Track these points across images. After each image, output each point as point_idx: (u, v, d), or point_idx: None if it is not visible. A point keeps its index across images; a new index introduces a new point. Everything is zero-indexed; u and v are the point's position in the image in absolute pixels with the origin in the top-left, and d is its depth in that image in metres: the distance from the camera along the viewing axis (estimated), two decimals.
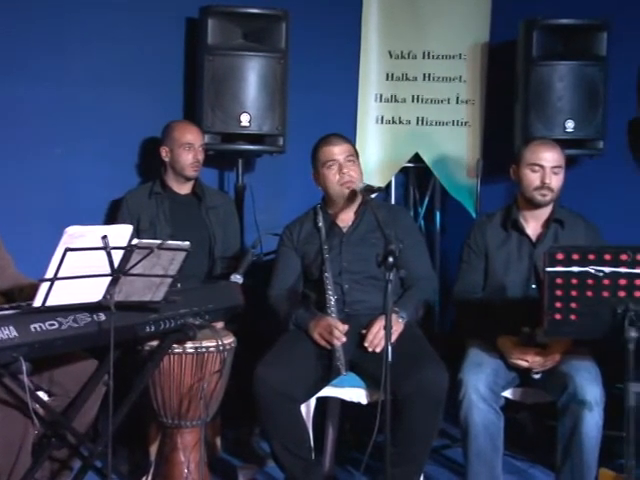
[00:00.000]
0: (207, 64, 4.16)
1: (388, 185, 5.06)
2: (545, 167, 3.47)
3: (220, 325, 3.51)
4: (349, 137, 3.77)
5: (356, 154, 3.60)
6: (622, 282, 2.69)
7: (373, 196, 3.61)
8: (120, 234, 2.69)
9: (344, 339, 3.33)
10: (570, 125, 4.36)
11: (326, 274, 3.46)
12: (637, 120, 3.20)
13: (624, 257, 2.68)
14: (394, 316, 3.28)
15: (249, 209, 4.41)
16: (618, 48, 4.33)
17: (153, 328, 3.01)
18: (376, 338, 3.32)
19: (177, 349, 3.17)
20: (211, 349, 3.20)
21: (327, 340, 3.35)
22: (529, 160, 3.50)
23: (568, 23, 4.42)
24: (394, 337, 3.22)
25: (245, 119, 4.18)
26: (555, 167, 3.48)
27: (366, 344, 3.33)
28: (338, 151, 3.53)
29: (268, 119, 4.22)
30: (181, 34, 4.41)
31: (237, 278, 3.47)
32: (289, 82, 4.30)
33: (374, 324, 3.35)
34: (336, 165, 3.52)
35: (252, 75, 4.19)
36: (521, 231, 3.57)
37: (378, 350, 3.30)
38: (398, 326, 3.35)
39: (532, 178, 3.49)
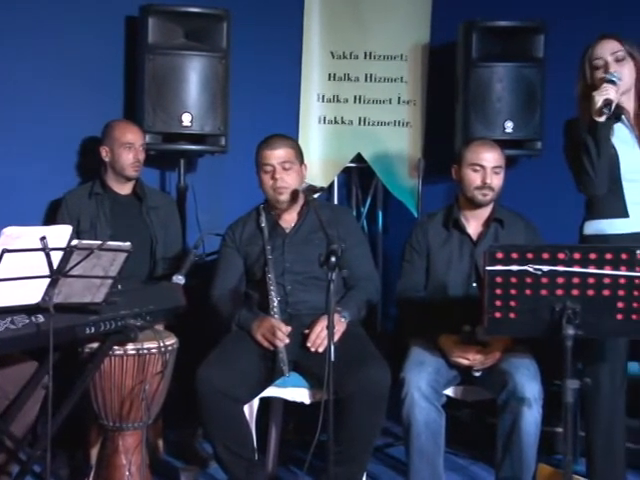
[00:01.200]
0: (148, 63, 4.12)
1: (331, 185, 5.07)
2: (486, 167, 3.51)
3: (161, 326, 3.49)
4: (292, 137, 3.77)
5: (299, 156, 3.58)
6: (560, 280, 2.72)
7: (316, 196, 3.62)
8: (59, 235, 2.65)
9: (287, 340, 3.33)
10: (509, 126, 4.43)
11: (269, 275, 3.45)
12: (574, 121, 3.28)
13: (561, 256, 2.71)
14: (336, 316, 3.28)
15: (191, 209, 4.38)
16: (555, 50, 4.40)
17: (93, 330, 2.97)
18: (319, 338, 3.33)
19: (118, 351, 3.14)
20: (153, 350, 3.17)
21: (270, 341, 3.35)
22: (470, 160, 3.54)
23: (506, 25, 4.48)
24: (337, 337, 3.22)
25: (187, 119, 4.16)
26: (496, 167, 3.52)
27: (309, 344, 3.33)
28: (274, 156, 3.49)
29: (210, 119, 4.20)
30: (121, 33, 4.36)
31: (179, 279, 3.44)
32: (231, 82, 4.28)
33: (316, 324, 3.35)
34: (271, 170, 3.51)
35: (193, 75, 4.16)
36: (462, 230, 3.61)
37: (321, 350, 3.30)
38: (340, 326, 3.36)
39: (473, 178, 3.53)
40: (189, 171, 4.50)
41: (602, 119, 3.06)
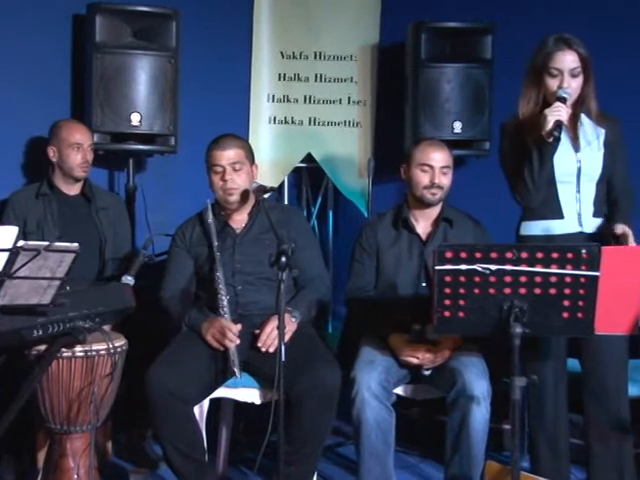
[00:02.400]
0: (95, 62, 4.08)
1: (281, 185, 5.07)
2: (434, 167, 3.54)
3: (110, 327, 3.46)
4: (243, 137, 3.76)
5: (249, 156, 3.55)
6: (507, 279, 2.74)
7: (266, 196, 3.61)
8: (5, 236, 2.61)
9: (237, 341, 3.32)
10: (458, 126, 4.47)
11: (217, 273, 3.43)
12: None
13: (509, 255, 2.74)
14: (287, 316, 3.29)
15: (140, 210, 4.35)
16: (503, 51, 4.45)
17: (41, 332, 2.92)
18: (269, 338, 3.32)
19: (66, 353, 3.10)
20: (101, 352, 3.14)
21: (220, 342, 3.33)
22: (419, 160, 3.57)
23: (455, 26, 4.53)
24: (287, 337, 3.22)
25: (135, 118, 4.13)
26: (444, 167, 3.55)
27: (259, 344, 3.33)
28: (224, 157, 3.47)
29: (159, 119, 4.18)
30: (68, 31, 4.31)
31: (128, 279, 3.41)
32: (181, 81, 4.25)
33: (267, 324, 3.35)
34: (221, 171, 3.49)
35: (142, 74, 4.13)
36: (411, 230, 3.63)
37: (271, 350, 3.30)
38: (291, 326, 3.36)
39: (422, 177, 3.55)
40: (138, 171, 4.47)
41: (551, 140, 3.10)
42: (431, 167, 3.54)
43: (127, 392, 3.40)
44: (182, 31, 4.23)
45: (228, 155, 3.48)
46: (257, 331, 3.37)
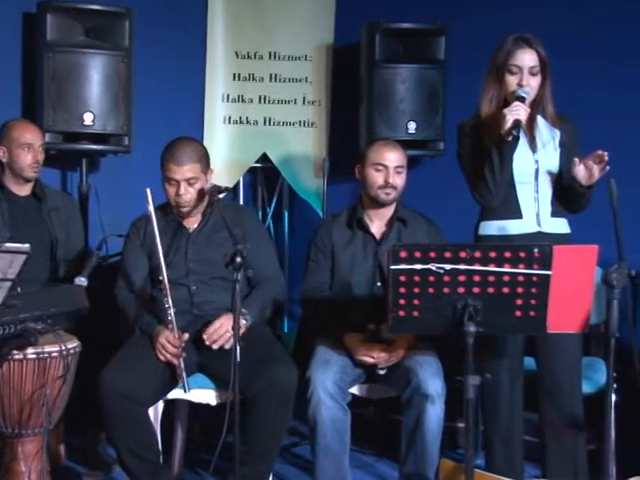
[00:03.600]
0: (47, 61, 4.02)
1: (236, 185, 5.05)
2: (388, 167, 3.55)
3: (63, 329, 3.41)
4: (197, 137, 3.73)
5: (205, 167, 3.49)
6: (461, 278, 2.76)
7: (221, 196, 3.59)
8: None
9: (182, 354, 3.27)
10: (412, 126, 4.50)
11: (161, 277, 3.33)
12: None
13: (463, 254, 2.75)
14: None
15: (94, 210, 4.30)
16: (456, 51, 4.48)
17: None
18: (215, 334, 3.30)
19: (17, 355, 3.05)
20: (54, 354, 3.10)
21: (165, 356, 3.29)
22: (373, 160, 3.58)
23: (408, 27, 4.55)
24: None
25: (88, 118, 4.08)
26: (398, 167, 3.57)
27: (204, 336, 3.30)
28: (179, 172, 3.40)
29: (112, 118, 4.13)
30: (18, 30, 4.25)
31: (81, 281, 3.38)
32: (134, 81, 4.22)
33: (216, 320, 3.33)
34: (175, 184, 3.44)
35: (95, 73, 4.09)
36: (366, 230, 3.64)
37: (215, 347, 3.28)
38: (241, 327, 3.34)
39: (376, 177, 3.57)
40: (91, 171, 4.43)
41: (510, 138, 3.13)
42: (385, 167, 3.55)
43: (80, 394, 3.35)
44: (135, 30, 4.19)
45: (183, 171, 3.41)
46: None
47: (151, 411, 3.30)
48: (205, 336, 3.31)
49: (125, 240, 3.62)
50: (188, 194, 3.44)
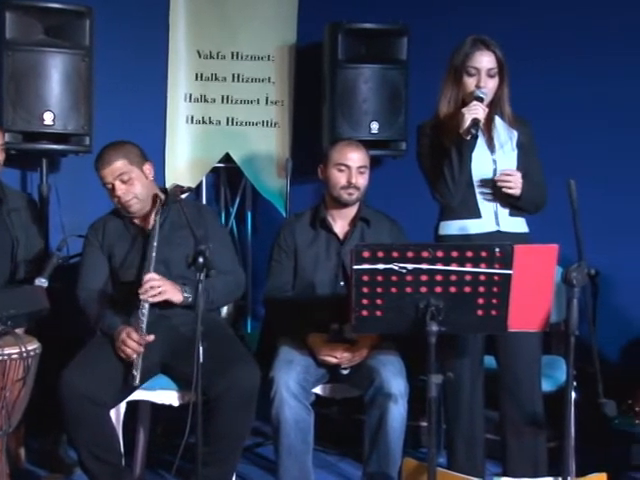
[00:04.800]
0: (6, 60, 3.97)
1: (199, 185, 5.03)
2: (351, 167, 3.56)
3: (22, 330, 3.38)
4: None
5: (136, 160, 3.46)
6: (424, 278, 2.77)
7: (183, 196, 3.57)
8: None
9: (140, 349, 3.23)
10: (375, 127, 4.51)
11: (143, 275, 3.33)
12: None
13: (425, 254, 2.77)
14: (178, 287, 3.32)
15: (54, 211, 4.26)
16: (418, 52, 4.50)
17: None
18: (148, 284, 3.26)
19: None
20: (14, 356, 3.06)
21: (125, 353, 3.26)
22: (336, 160, 3.59)
23: (371, 27, 4.57)
24: (164, 296, 3.26)
25: (49, 117, 4.04)
26: (361, 167, 3.58)
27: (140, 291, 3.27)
28: (107, 174, 3.40)
29: (73, 118, 4.09)
30: None
31: (42, 282, 3.35)
32: (95, 80, 4.18)
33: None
34: (110, 187, 3.43)
35: (55, 72, 4.04)
36: (329, 230, 3.65)
37: (142, 296, 3.24)
38: (177, 296, 3.32)
39: (339, 177, 3.57)
40: (52, 171, 4.38)
41: (469, 137, 3.16)
42: (348, 167, 3.56)
43: (41, 396, 3.32)
44: (96, 29, 4.15)
45: (110, 171, 3.40)
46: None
47: (113, 413, 3.28)
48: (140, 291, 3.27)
49: (84, 242, 3.59)
50: (128, 192, 3.41)
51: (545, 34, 4.47)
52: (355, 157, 3.58)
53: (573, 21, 4.43)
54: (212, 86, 4.96)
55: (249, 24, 4.90)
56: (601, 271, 2.86)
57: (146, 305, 3.29)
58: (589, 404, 2.96)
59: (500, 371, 3.39)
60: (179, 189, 3.44)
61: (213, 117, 4.98)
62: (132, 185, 3.42)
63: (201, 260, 2.92)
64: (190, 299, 3.36)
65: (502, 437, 3.41)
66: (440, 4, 4.66)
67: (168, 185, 3.52)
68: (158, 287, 3.28)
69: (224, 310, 3.74)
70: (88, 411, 3.14)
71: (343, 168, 3.57)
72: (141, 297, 3.26)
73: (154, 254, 3.33)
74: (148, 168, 3.51)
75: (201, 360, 2.89)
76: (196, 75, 4.94)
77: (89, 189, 4.55)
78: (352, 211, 3.65)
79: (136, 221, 3.53)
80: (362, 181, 3.59)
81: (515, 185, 3.26)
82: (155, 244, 3.34)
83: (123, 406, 3.36)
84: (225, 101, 4.97)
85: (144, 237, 3.50)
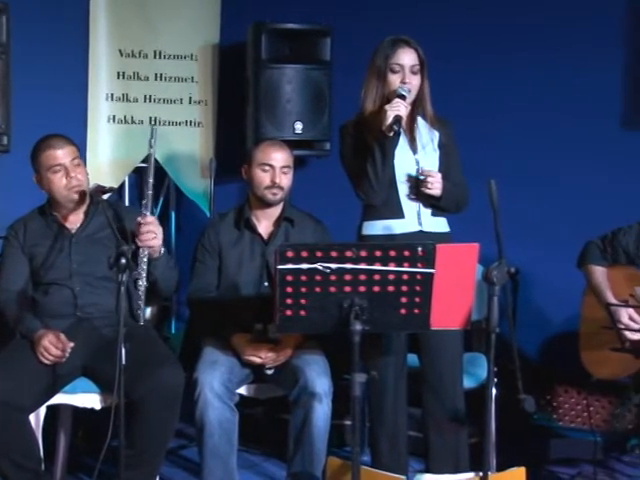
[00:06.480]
0: None
1: (122, 185, 4.96)
2: (275, 167, 3.56)
3: None
4: (80, 137, 3.66)
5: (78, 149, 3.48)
6: (347, 277, 2.78)
7: (105, 197, 3.53)
8: None
9: (62, 357, 3.21)
10: (299, 127, 4.52)
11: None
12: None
13: (349, 254, 2.78)
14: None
15: None
16: (341, 53, 4.53)
17: None
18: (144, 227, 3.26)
19: None
20: None
21: (46, 358, 3.22)
22: (260, 160, 3.58)
23: (294, 28, 4.57)
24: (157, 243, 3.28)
25: None
26: (284, 167, 3.58)
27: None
28: (63, 155, 3.38)
29: None
30: None
31: None
32: (13, 78, 4.09)
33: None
34: (62, 169, 3.39)
35: None
36: (253, 230, 3.64)
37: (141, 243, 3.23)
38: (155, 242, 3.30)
39: (262, 177, 3.57)
40: None
41: (391, 134, 3.19)
42: (272, 167, 3.56)
43: None
44: (13, 25, 4.06)
45: (66, 152, 3.38)
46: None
47: (32, 417, 3.22)
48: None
49: (4, 243, 3.52)
50: (78, 176, 3.38)
51: (465, 35, 4.54)
52: (279, 157, 3.58)
53: (492, 22, 4.51)
54: (134, 85, 4.90)
55: (171, 23, 4.85)
56: (521, 269, 2.91)
57: (146, 252, 3.26)
58: (509, 400, 3.01)
59: (423, 369, 3.43)
60: (100, 189, 3.40)
61: (135, 117, 4.92)
62: (81, 172, 3.40)
63: (123, 261, 2.89)
64: (162, 256, 3.35)
65: (425, 434, 3.45)
66: (363, 5, 4.70)
67: (90, 185, 3.46)
68: (153, 232, 3.26)
69: (148, 311, 3.70)
70: (6, 416, 3.07)
71: (267, 168, 3.56)
72: (140, 243, 3.23)
73: (150, 192, 3.33)
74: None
75: (124, 362, 2.85)
76: (118, 74, 4.88)
77: (7, 189, 4.48)
78: (276, 211, 3.65)
79: (59, 220, 3.47)
80: (286, 181, 3.59)
81: (436, 186, 3.31)
82: (151, 180, 3.35)
83: (43, 410, 3.30)
84: (148, 100, 4.92)
85: (66, 237, 3.45)
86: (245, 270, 3.61)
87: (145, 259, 3.27)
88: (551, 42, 4.40)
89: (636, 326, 3.27)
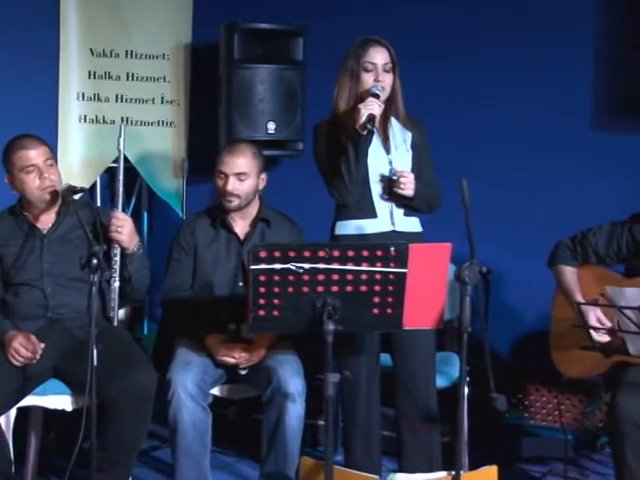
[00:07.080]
0: None
1: (93, 186, 4.93)
2: (228, 174, 3.51)
3: None
4: (51, 137, 3.64)
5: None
6: (320, 277, 2.79)
7: (76, 197, 3.51)
8: None
9: (33, 358, 3.20)
10: (271, 127, 4.51)
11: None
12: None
13: (322, 254, 2.78)
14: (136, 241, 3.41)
15: None
16: (314, 53, 4.53)
17: None
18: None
19: None
20: None
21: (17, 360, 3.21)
22: (216, 167, 3.55)
23: (267, 28, 4.56)
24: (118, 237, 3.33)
25: None
26: (239, 174, 3.52)
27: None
28: (36, 155, 3.35)
29: None
30: None
31: None
32: None
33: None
34: (36, 170, 3.36)
35: None
36: (229, 229, 3.63)
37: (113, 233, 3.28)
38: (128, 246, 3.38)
39: (218, 184, 3.54)
40: None
41: (365, 133, 3.20)
42: (225, 174, 3.51)
43: None
44: None
45: (39, 152, 3.36)
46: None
47: (2, 419, 3.20)
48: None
49: None
50: (51, 177, 3.36)
51: (436, 36, 4.56)
52: (231, 163, 3.52)
53: (464, 22, 4.53)
54: (106, 85, 4.87)
55: (143, 22, 4.82)
56: (493, 269, 2.92)
57: (117, 251, 3.31)
58: (481, 399, 3.03)
59: (396, 368, 3.44)
60: (71, 190, 3.38)
61: (107, 116, 4.89)
62: (54, 172, 3.39)
63: (95, 261, 2.87)
64: (138, 254, 3.39)
65: (398, 433, 3.46)
66: (336, 5, 4.70)
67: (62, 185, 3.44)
68: (118, 226, 3.28)
69: (120, 312, 3.68)
70: None
71: (222, 175, 3.54)
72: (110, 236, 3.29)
73: (121, 189, 3.42)
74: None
75: (95, 363, 2.84)
76: (89, 73, 4.84)
77: None
78: (253, 211, 3.64)
79: (30, 220, 3.44)
80: (242, 187, 3.52)
81: (408, 186, 3.32)
82: (121, 178, 3.46)
83: (13, 412, 3.28)
84: (119, 100, 4.89)
85: (37, 237, 3.43)
86: (220, 270, 3.60)
87: (117, 259, 3.25)
88: (521, 44, 4.42)
89: (605, 326, 3.29)
